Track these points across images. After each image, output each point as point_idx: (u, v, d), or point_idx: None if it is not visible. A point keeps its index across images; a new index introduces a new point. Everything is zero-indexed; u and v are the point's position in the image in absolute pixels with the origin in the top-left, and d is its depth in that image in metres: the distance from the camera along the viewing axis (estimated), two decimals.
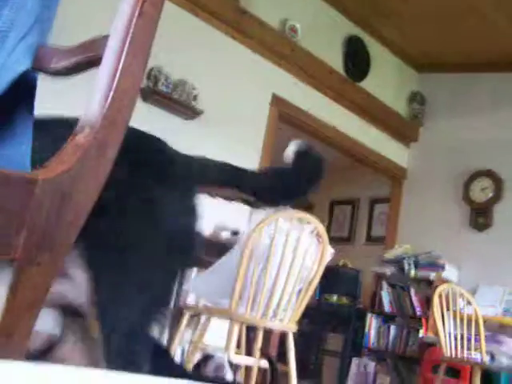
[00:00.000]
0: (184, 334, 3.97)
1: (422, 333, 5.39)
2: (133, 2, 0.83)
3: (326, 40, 5.75)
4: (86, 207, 0.75)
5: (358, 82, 6.00)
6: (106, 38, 0.87)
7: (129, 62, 0.80)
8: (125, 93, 0.78)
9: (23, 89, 1.09)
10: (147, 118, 4.20)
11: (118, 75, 0.78)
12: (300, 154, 1.78)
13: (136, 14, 0.82)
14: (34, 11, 1.03)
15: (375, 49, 6.23)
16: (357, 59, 6.01)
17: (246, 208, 4.91)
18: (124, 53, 0.79)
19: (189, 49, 4.62)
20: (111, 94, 0.77)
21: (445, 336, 4.16)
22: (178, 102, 4.39)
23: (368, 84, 6.07)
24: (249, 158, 5.01)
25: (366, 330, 5.99)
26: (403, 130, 6.58)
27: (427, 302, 5.47)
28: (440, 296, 4.22)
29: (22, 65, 0.99)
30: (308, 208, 7.44)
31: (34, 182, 0.66)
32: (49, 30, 1.12)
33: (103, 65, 0.82)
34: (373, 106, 6.12)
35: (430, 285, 5.59)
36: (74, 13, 3.48)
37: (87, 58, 0.93)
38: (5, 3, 0.99)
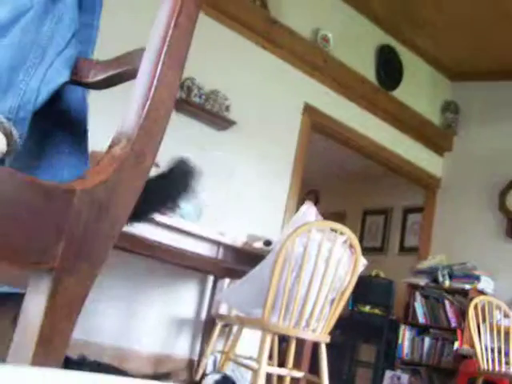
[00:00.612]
0: (216, 344, 3.98)
1: (457, 345, 5.30)
2: (168, 14, 0.84)
3: (358, 49, 5.74)
4: (122, 217, 0.75)
5: (391, 92, 5.96)
6: (142, 50, 0.89)
7: (165, 73, 0.81)
8: (161, 103, 0.79)
9: (71, 109, 1.12)
10: (180, 129, 4.26)
11: (154, 86, 0.79)
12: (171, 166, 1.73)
13: (172, 25, 0.83)
14: (72, 25, 1.05)
15: (408, 57, 6.19)
16: (389, 68, 5.97)
17: (279, 217, 4.94)
18: (160, 64, 0.80)
19: (221, 59, 4.65)
20: (147, 104, 0.78)
21: (481, 348, 4.09)
22: (211, 113, 4.42)
23: (401, 93, 6.03)
24: (282, 168, 5.02)
25: (400, 341, 5.91)
26: (437, 139, 6.51)
27: (462, 314, 5.38)
28: (476, 307, 4.15)
29: (61, 77, 1.01)
30: (340, 217, 7.42)
31: (72, 193, 0.67)
32: (89, 43, 1.15)
33: (140, 76, 0.83)
34: (406, 115, 6.07)
35: (465, 296, 5.50)
36: (111, 26, 3.53)
37: (124, 71, 0.94)
38: (45, 17, 1.01)
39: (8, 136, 0.83)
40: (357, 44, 5.75)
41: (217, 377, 2.69)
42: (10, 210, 0.62)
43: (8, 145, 0.84)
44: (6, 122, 0.83)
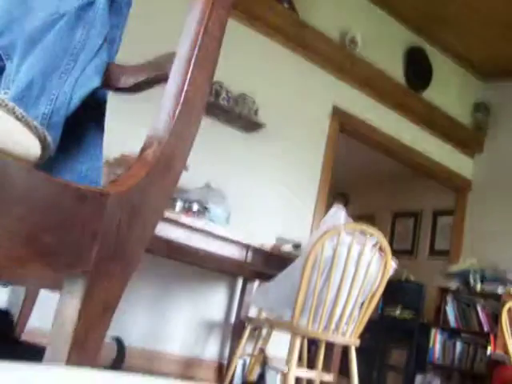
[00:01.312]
0: (245, 347, 3.98)
1: (490, 350, 5.22)
2: (198, 19, 0.85)
3: (386, 50, 5.70)
4: (154, 220, 0.76)
5: (420, 93, 5.91)
6: (172, 55, 0.89)
7: (195, 78, 0.81)
8: (191, 107, 0.80)
9: (94, 107, 1.13)
10: (209, 133, 4.27)
11: (184, 90, 0.80)
12: None
13: (202, 30, 0.84)
14: (103, 31, 1.07)
15: (437, 58, 6.13)
16: (418, 69, 5.91)
17: (308, 219, 4.92)
18: (191, 68, 0.81)
19: (249, 63, 4.67)
20: (178, 108, 0.78)
21: None
22: (240, 116, 4.43)
23: (430, 94, 5.97)
24: (310, 170, 5.01)
25: (431, 345, 5.84)
26: (467, 140, 6.42)
27: (495, 318, 5.30)
28: (509, 311, 4.09)
29: (93, 82, 1.03)
30: (370, 220, 7.36)
31: (106, 197, 0.68)
32: (117, 49, 1.16)
33: (170, 81, 0.84)
34: (435, 116, 6.01)
35: (497, 300, 5.41)
36: (140, 31, 3.57)
37: (154, 75, 0.95)
38: (77, 25, 1.03)
39: (42, 141, 0.85)
40: (385, 45, 5.71)
41: None
42: (45, 214, 0.63)
43: (42, 149, 0.85)
44: (39, 128, 0.84)
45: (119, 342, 1.85)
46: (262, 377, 3.00)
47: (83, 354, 0.70)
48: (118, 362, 1.81)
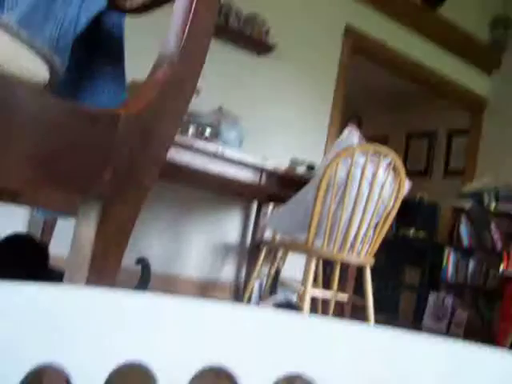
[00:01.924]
0: (261, 268, 4.05)
1: (502, 267, 5.28)
2: None
3: None
4: (167, 142, 0.76)
5: (436, 8, 5.72)
6: None
7: None
8: (201, 27, 0.78)
9: (111, 34, 1.11)
10: (220, 56, 4.21)
11: (193, 9, 0.77)
12: None
13: None
14: None
15: None
16: None
17: (322, 142, 4.90)
18: None
19: None
20: (187, 28, 0.76)
21: None
22: (250, 38, 4.34)
23: (446, 10, 5.77)
24: (323, 92, 4.94)
25: (444, 264, 5.92)
26: (484, 56, 6.25)
27: (509, 237, 5.33)
28: None
29: (100, 3, 1.00)
30: (383, 142, 7.31)
31: (117, 118, 0.68)
32: None
33: (178, 0, 0.81)
34: (451, 32, 5.84)
35: (511, 219, 5.43)
36: None
37: None
38: None
39: (50, 65, 0.83)
40: None
41: (280, 299, 2.73)
42: (56, 137, 0.63)
43: (50, 73, 0.84)
44: (47, 51, 0.83)
45: (144, 262, 1.88)
46: (274, 294, 3.06)
47: (102, 276, 0.71)
48: (144, 283, 1.84)
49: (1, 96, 0.58)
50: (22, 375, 0.36)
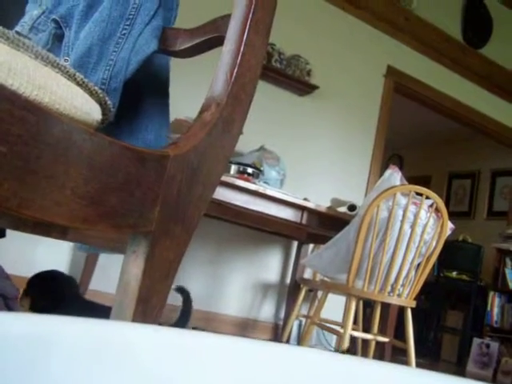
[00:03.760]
0: (301, 309, 4.02)
1: None
2: None
3: (443, 6, 5.52)
4: (214, 181, 0.77)
5: (479, 49, 5.70)
6: (227, 17, 0.89)
7: (251, 39, 0.81)
8: (248, 69, 0.80)
9: (157, 74, 1.15)
10: (262, 96, 4.26)
11: (241, 53, 0.80)
12: None
13: None
14: None
15: (498, 11, 5.88)
16: (477, 24, 5.70)
17: (363, 182, 4.88)
18: (247, 30, 0.81)
19: (300, 23, 4.60)
20: (235, 70, 0.79)
21: None
22: (292, 78, 4.40)
23: (490, 50, 5.76)
24: (364, 132, 4.95)
25: (488, 308, 5.77)
26: None
27: None
28: None
29: (150, 47, 1.04)
30: (425, 182, 7.25)
31: (166, 158, 0.70)
32: (171, 10, 1.17)
33: (227, 43, 0.84)
34: (494, 72, 5.81)
35: None
36: None
37: (210, 38, 0.96)
38: None
39: (103, 106, 0.87)
40: (442, 0, 5.53)
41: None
42: (109, 176, 0.65)
43: (103, 114, 0.87)
44: (100, 92, 0.86)
45: (184, 292, 1.89)
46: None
47: (148, 312, 0.72)
48: (185, 315, 1.85)
49: (57, 135, 0.61)
50: None
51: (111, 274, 3.29)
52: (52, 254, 3.52)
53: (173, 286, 1.93)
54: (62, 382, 0.37)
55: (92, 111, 0.81)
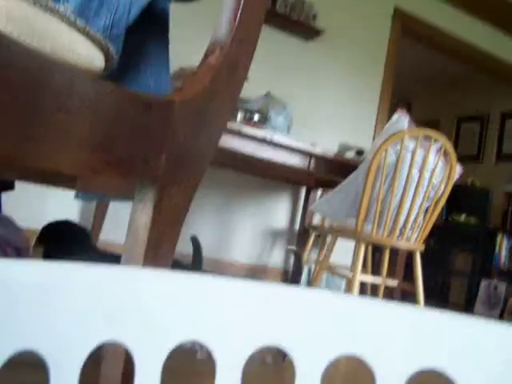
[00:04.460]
0: (310, 254, 4.05)
1: None
2: None
3: None
4: (220, 127, 0.77)
5: None
6: None
7: None
8: (252, 12, 0.78)
9: (157, 20, 1.13)
10: (267, 42, 4.20)
11: None
12: None
13: None
14: None
15: None
16: None
17: (371, 127, 4.85)
18: None
19: None
20: (239, 13, 0.77)
21: None
22: (298, 23, 4.32)
23: None
24: (372, 76, 4.89)
25: (497, 250, 5.80)
26: None
27: None
28: None
29: None
30: (434, 126, 7.19)
31: (172, 105, 0.69)
32: None
33: None
34: (505, 12, 5.66)
35: None
36: None
37: None
38: None
39: (105, 53, 0.85)
40: None
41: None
42: (114, 123, 0.64)
43: (105, 61, 0.86)
44: (102, 39, 0.84)
45: (195, 241, 1.91)
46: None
47: (158, 258, 0.73)
48: (197, 263, 1.88)
49: (59, 83, 0.60)
50: (89, 350, 0.38)
51: (121, 223, 3.32)
52: (61, 207, 3.54)
53: (184, 243, 1.95)
54: (72, 328, 0.37)
55: (94, 59, 0.80)
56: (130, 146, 0.66)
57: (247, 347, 0.41)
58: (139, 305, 0.39)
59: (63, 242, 1.75)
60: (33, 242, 1.77)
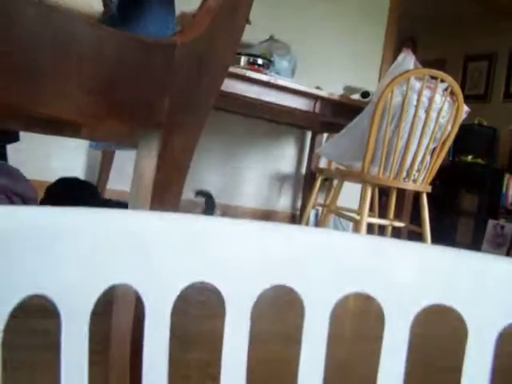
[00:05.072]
0: (317, 198, 4.06)
1: None
2: None
3: None
4: (222, 70, 0.76)
5: None
6: None
7: None
8: None
9: None
10: None
11: None
12: None
13: None
14: None
15: None
16: None
17: (376, 68, 4.78)
18: None
19: None
20: None
21: None
22: None
23: None
24: (376, 15, 4.79)
25: (504, 190, 5.79)
26: None
27: None
28: None
29: None
30: (440, 65, 7.07)
31: (173, 47, 0.68)
32: None
33: None
34: None
35: None
36: None
37: None
38: None
39: None
40: None
41: None
42: (115, 68, 0.64)
43: (104, 5, 0.84)
44: None
45: (205, 194, 1.93)
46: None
47: (164, 205, 0.73)
48: (209, 208, 1.89)
49: (58, 28, 0.59)
50: (98, 293, 0.38)
51: (128, 172, 3.32)
52: (67, 157, 3.55)
53: (191, 189, 1.96)
54: (81, 272, 0.38)
55: (92, 2, 0.79)
56: (132, 90, 0.65)
57: (256, 287, 0.42)
58: (147, 248, 0.40)
59: (72, 198, 1.75)
60: (40, 196, 1.78)
